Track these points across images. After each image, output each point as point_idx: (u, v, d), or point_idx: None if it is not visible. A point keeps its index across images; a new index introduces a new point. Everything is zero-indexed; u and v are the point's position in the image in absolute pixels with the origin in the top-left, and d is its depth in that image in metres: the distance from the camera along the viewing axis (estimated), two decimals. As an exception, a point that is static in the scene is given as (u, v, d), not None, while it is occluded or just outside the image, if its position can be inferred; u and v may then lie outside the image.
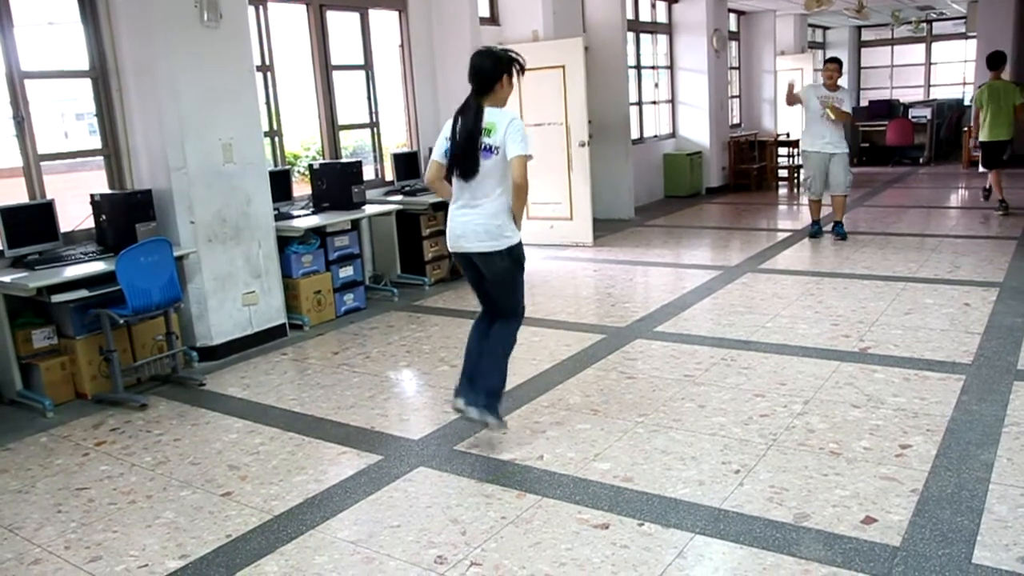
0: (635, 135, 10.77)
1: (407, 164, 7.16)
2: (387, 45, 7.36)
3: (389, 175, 7.28)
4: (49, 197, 4.78)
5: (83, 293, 4.39)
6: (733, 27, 13.51)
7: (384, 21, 7.29)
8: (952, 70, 18.16)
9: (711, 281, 6.48)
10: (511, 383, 4.10)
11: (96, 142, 5.21)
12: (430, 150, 7.20)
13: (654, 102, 11.76)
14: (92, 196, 4.89)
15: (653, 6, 11.59)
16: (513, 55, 3.46)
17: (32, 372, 4.53)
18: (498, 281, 3.53)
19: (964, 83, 17.15)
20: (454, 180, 3.49)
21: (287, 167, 6.41)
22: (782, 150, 12.80)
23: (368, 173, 6.95)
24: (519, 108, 8.14)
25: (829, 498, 2.98)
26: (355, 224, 6.28)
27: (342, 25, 6.89)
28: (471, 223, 3.45)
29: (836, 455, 3.33)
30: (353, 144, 7.68)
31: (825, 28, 18.12)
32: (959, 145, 14.16)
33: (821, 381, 4.16)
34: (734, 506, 2.97)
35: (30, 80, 4.73)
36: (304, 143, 8.68)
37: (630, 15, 10.52)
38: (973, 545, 2.62)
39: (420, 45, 7.45)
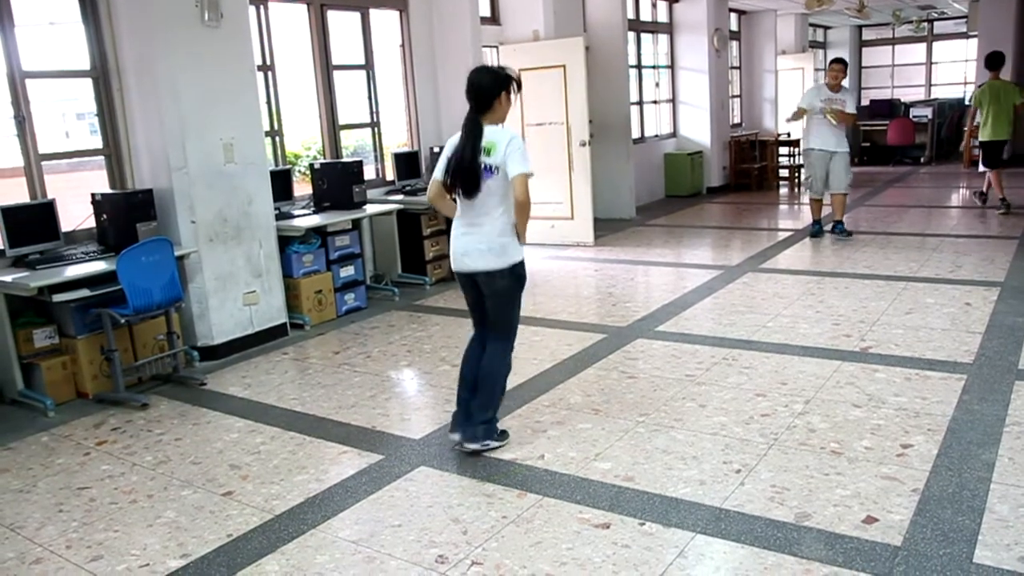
0: (636, 135, 10.77)
1: (408, 164, 7.16)
2: (388, 45, 7.36)
3: (390, 175, 7.28)
4: (50, 197, 4.78)
5: (84, 293, 4.39)
6: (734, 26, 13.51)
7: (385, 21, 7.30)
8: (953, 70, 18.15)
9: (712, 281, 6.48)
10: (512, 383, 4.11)
11: (97, 142, 5.21)
12: (431, 150, 7.30)
13: (655, 102, 11.76)
14: (93, 196, 4.89)
15: (654, 5, 11.58)
16: (511, 73, 3.45)
17: (33, 371, 4.53)
18: (498, 298, 3.52)
19: (965, 83, 17.13)
20: (457, 199, 3.49)
21: (288, 167, 6.41)
22: (783, 150, 12.80)
23: (369, 173, 6.95)
24: (520, 108, 8.13)
25: (830, 498, 2.98)
26: (356, 224, 6.27)
27: (343, 25, 6.89)
28: (474, 242, 3.44)
29: (837, 455, 3.32)
30: (354, 144, 7.68)
31: (826, 27, 18.11)
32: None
33: (822, 381, 4.16)
34: (735, 506, 2.97)
35: (31, 80, 4.73)
36: (305, 143, 8.68)
37: (631, 14, 10.52)
38: (974, 545, 2.62)
39: (421, 45, 7.45)
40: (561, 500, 3.09)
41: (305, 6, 6.54)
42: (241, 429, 4.05)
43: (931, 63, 18.25)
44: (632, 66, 10.57)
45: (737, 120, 13.81)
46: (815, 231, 8.09)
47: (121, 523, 3.15)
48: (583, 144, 8.13)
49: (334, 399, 4.36)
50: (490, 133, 3.39)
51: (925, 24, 17.43)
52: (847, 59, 10.53)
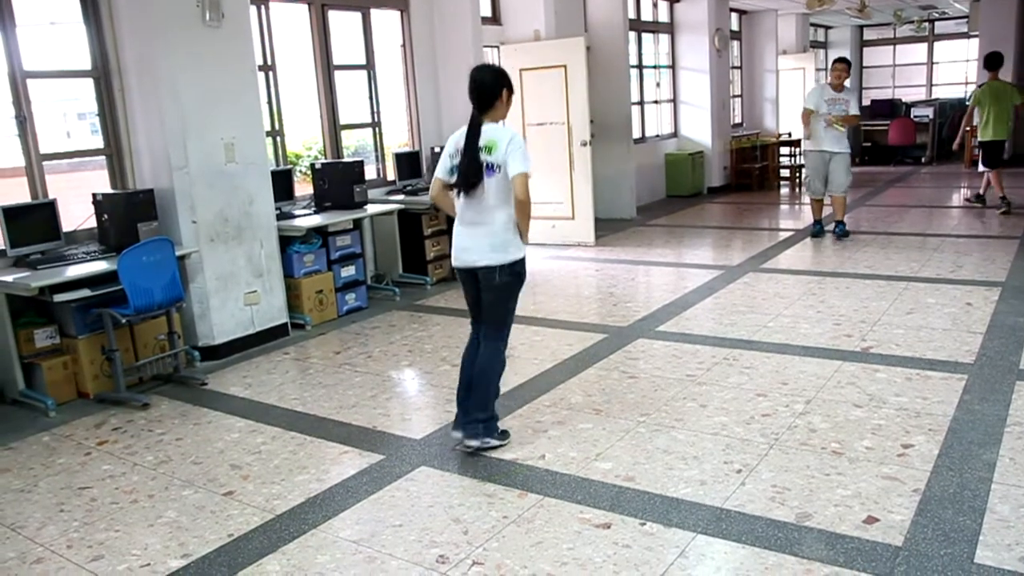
0: (637, 135, 10.77)
1: (409, 163, 7.16)
2: (389, 45, 7.36)
3: (391, 175, 7.28)
4: (51, 197, 4.78)
5: (85, 292, 4.39)
6: (735, 26, 13.50)
7: (386, 21, 7.30)
8: (954, 69, 18.13)
9: (713, 281, 6.48)
10: (513, 383, 4.11)
11: (98, 142, 5.21)
12: (432, 150, 7.30)
13: (656, 102, 11.76)
14: (94, 196, 4.89)
15: (655, 5, 11.58)
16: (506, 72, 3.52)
17: (34, 371, 4.54)
18: (496, 294, 3.52)
19: (966, 82, 17.10)
20: (458, 196, 3.50)
21: (289, 167, 6.41)
22: (784, 150, 12.78)
23: (370, 172, 6.95)
24: (521, 108, 8.15)
25: (831, 498, 2.98)
26: (357, 223, 6.27)
27: (344, 25, 6.89)
28: (476, 239, 3.45)
29: (838, 455, 3.32)
30: (355, 144, 7.67)
31: (827, 27, 18.10)
32: (961, 144, 14.14)
33: (823, 381, 4.16)
34: (736, 506, 2.97)
35: (32, 80, 4.74)
36: (306, 143, 8.68)
37: (632, 14, 10.52)
38: (975, 545, 2.62)
39: (422, 45, 7.45)
40: (562, 500, 3.09)
41: (306, 6, 6.54)
42: (242, 429, 4.05)
43: (932, 63, 18.24)
44: (633, 66, 10.57)
45: (738, 120, 13.81)
46: (816, 231, 8.08)
47: (122, 523, 3.15)
48: (584, 144, 8.13)
49: (335, 399, 4.36)
50: (491, 131, 3.40)
51: (926, 24, 17.41)
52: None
